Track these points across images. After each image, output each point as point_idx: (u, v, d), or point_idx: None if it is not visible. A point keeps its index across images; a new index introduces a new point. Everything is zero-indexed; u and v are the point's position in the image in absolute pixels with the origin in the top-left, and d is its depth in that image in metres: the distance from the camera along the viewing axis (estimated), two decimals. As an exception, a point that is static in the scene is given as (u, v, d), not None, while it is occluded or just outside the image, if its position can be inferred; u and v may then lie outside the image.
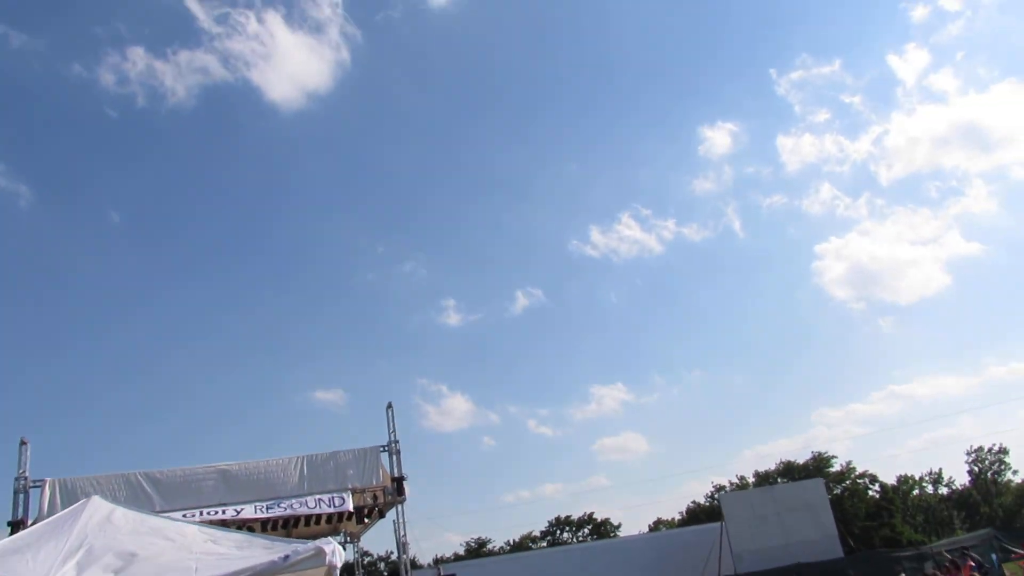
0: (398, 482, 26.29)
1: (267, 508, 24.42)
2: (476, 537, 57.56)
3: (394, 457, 26.87)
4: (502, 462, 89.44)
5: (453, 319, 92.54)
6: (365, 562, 53.32)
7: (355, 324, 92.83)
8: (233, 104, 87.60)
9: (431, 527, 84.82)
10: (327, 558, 4.55)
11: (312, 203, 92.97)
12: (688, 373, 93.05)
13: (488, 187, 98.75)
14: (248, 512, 24.09)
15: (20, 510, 23.41)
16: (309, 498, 24.76)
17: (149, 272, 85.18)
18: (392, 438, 27.00)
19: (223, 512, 23.97)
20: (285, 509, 24.55)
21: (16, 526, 23.31)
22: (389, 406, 27.34)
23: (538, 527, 61.09)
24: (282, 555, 4.42)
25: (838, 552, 29.40)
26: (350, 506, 24.71)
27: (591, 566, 33.55)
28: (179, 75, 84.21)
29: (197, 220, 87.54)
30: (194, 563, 4.54)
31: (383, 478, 26.28)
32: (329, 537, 4.72)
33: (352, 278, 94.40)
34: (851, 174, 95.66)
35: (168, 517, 5.48)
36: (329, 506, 24.30)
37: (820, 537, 29.97)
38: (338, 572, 4.85)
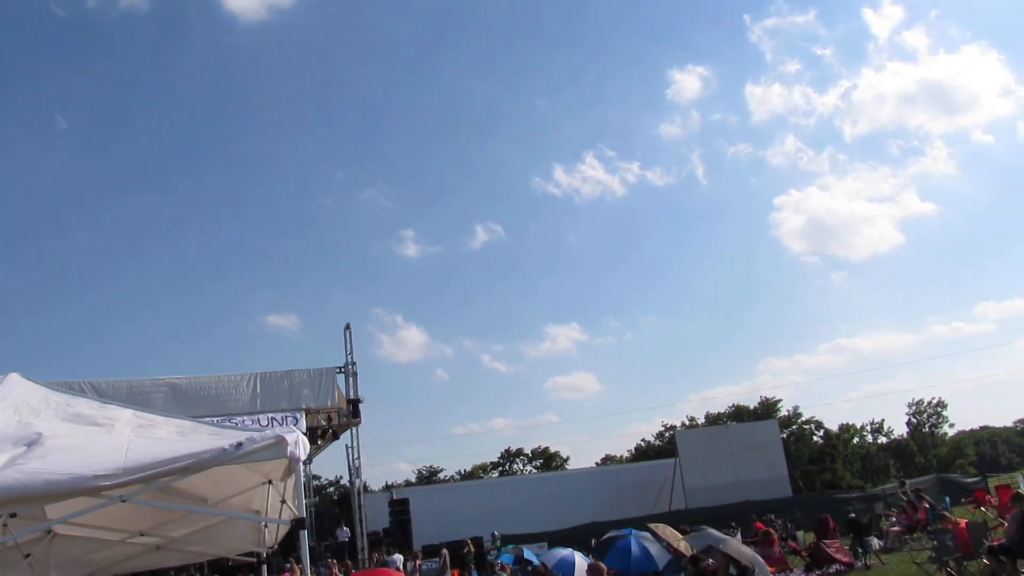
0: (354, 404, 25.80)
1: (216, 422, 23.77)
2: (428, 465, 57.79)
3: (350, 379, 26.33)
4: (455, 395, 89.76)
5: (411, 250, 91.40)
6: (314, 486, 53.25)
7: (311, 250, 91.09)
8: (188, 10, 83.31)
9: (383, 454, 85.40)
10: (288, 448, 3.81)
11: (270, 122, 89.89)
12: (642, 318, 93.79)
13: (454, 118, 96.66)
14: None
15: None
16: (261, 416, 24.08)
17: (97, 181, 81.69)
18: (349, 360, 26.38)
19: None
20: (236, 426, 23.92)
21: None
22: (347, 327, 26.68)
23: (490, 458, 61.72)
24: (233, 442, 3.67)
25: (787, 492, 29.95)
26: (303, 426, 24.18)
27: (543, 496, 33.71)
28: (133, -26, 79.41)
29: (149, 130, 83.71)
30: (124, 447, 3.81)
31: (338, 400, 25.77)
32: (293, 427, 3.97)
33: (310, 203, 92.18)
34: (816, 127, 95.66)
35: (106, 402, 4.51)
36: (281, 425, 23.72)
37: (770, 477, 30.45)
38: (300, 466, 4.13)
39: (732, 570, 8.44)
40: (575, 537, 22.55)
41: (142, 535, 5.11)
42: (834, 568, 13.49)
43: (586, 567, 10.62)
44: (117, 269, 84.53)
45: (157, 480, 3.59)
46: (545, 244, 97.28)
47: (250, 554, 5.89)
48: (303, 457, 3.97)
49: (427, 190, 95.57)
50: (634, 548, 10.76)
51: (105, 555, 5.25)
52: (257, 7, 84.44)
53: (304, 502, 3.94)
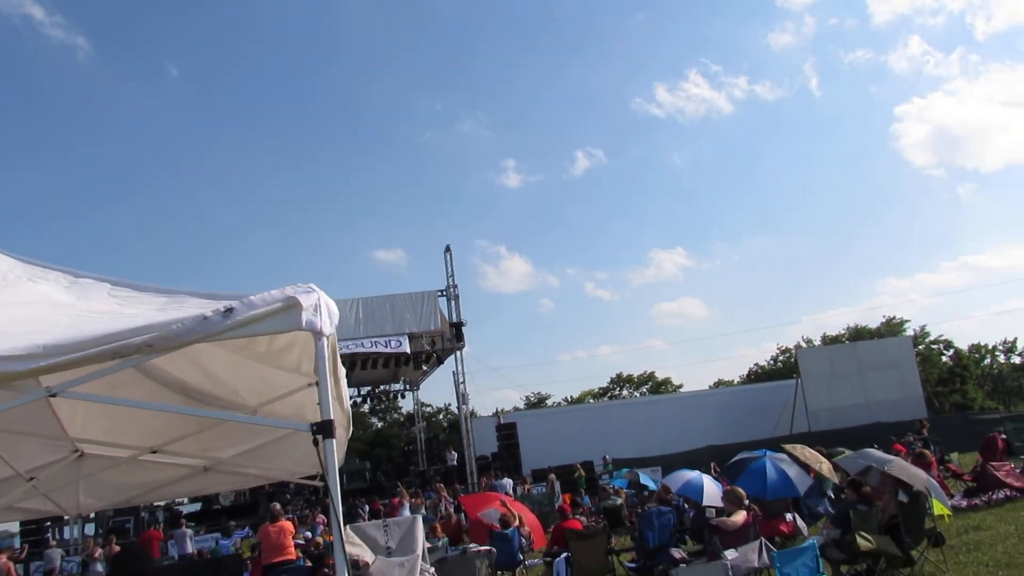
0: (456, 327, 25.29)
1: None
2: (535, 392, 57.71)
3: (452, 302, 25.77)
4: (560, 324, 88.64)
5: (513, 180, 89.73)
6: (425, 412, 54.10)
7: (414, 183, 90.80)
8: None
9: (492, 380, 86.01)
10: (303, 316, 2.52)
11: (368, 55, 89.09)
12: (751, 239, 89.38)
13: (550, 42, 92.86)
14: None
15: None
16: (365, 340, 23.95)
17: (204, 123, 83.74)
18: (450, 282, 25.78)
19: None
20: (340, 350, 23.80)
21: None
22: (447, 249, 25.96)
23: (597, 385, 61.07)
24: (220, 308, 2.42)
25: (922, 412, 27.64)
26: (407, 348, 23.91)
27: (654, 420, 32.69)
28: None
29: (250, 72, 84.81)
30: (67, 321, 2.73)
31: (441, 323, 25.31)
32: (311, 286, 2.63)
33: (411, 136, 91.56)
34: (945, 26, 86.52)
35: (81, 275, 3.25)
36: (385, 348, 23.47)
37: (903, 397, 28.22)
38: (325, 341, 2.81)
39: (902, 496, 7.10)
40: (691, 461, 21.38)
41: (177, 454, 4.21)
42: (1003, 494, 11.85)
43: (717, 491, 9.52)
44: (223, 205, 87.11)
45: (97, 364, 2.51)
46: (648, 167, 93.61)
47: (313, 477, 4.91)
48: (328, 330, 2.74)
49: (526, 118, 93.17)
50: (770, 470, 9.49)
51: (142, 478, 4.46)
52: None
53: (331, 399, 2.78)
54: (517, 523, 10.30)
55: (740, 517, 6.99)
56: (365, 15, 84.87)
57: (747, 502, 7.45)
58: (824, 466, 10.11)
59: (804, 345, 56.34)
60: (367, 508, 20.76)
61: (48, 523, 22.24)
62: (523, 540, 10.27)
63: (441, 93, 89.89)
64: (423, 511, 19.04)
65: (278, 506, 10.41)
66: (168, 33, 79.59)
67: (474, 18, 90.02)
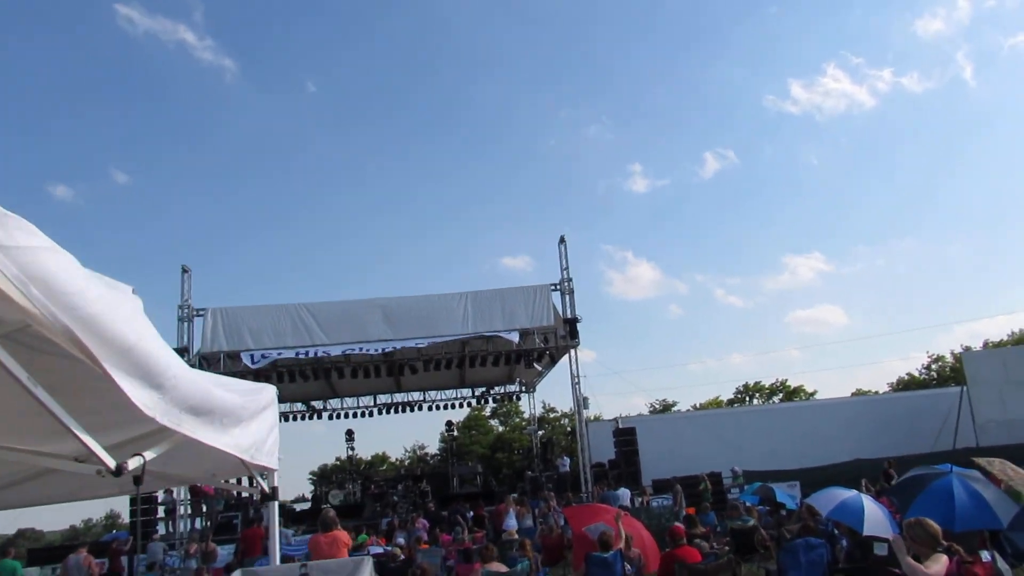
0: (571, 323, 23.56)
1: (427, 343, 22.68)
2: (662, 399, 55.01)
3: (567, 297, 24.03)
4: (689, 331, 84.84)
5: (640, 184, 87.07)
6: (550, 416, 52.42)
7: (540, 190, 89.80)
8: None
9: (618, 386, 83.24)
10: None
11: (490, 65, 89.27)
12: (897, 242, 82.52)
13: (674, 39, 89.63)
14: (408, 346, 22.47)
15: (184, 338, 23.26)
16: (474, 336, 22.68)
17: (348, 145, 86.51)
18: (564, 276, 24.05)
19: (383, 348, 22.51)
20: (446, 340, 22.67)
21: (180, 353, 23.26)
22: (561, 240, 24.23)
23: (725, 394, 57.68)
24: None
25: (1120, 428, 23.48)
26: (516, 338, 22.43)
27: (788, 429, 29.69)
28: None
29: (395, 91, 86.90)
30: None
31: (555, 319, 23.69)
32: None
33: (536, 143, 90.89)
34: None
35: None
36: (503, 333, 22.09)
37: (1096, 409, 24.12)
38: None
39: None
40: (834, 477, 18.77)
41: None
42: None
43: (882, 517, 7.37)
44: (367, 222, 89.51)
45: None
46: (782, 168, 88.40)
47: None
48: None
49: (652, 121, 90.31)
50: (959, 493, 7.17)
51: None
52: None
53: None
54: (622, 544, 8.51)
55: (940, 566, 4.87)
56: (489, 26, 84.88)
57: (945, 543, 5.28)
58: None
59: (962, 350, 50.85)
60: (471, 514, 19.39)
61: (160, 516, 22.27)
62: (627, 566, 8.44)
63: (567, 99, 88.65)
64: (528, 520, 17.50)
65: (331, 512, 9.05)
66: (306, 51, 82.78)
67: (595, 20, 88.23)
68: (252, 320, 21.95)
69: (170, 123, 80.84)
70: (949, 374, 49.47)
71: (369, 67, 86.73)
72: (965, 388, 26.25)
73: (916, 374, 54.77)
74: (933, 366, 53.23)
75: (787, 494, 14.26)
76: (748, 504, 14.64)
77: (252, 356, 21.24)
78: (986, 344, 51.98)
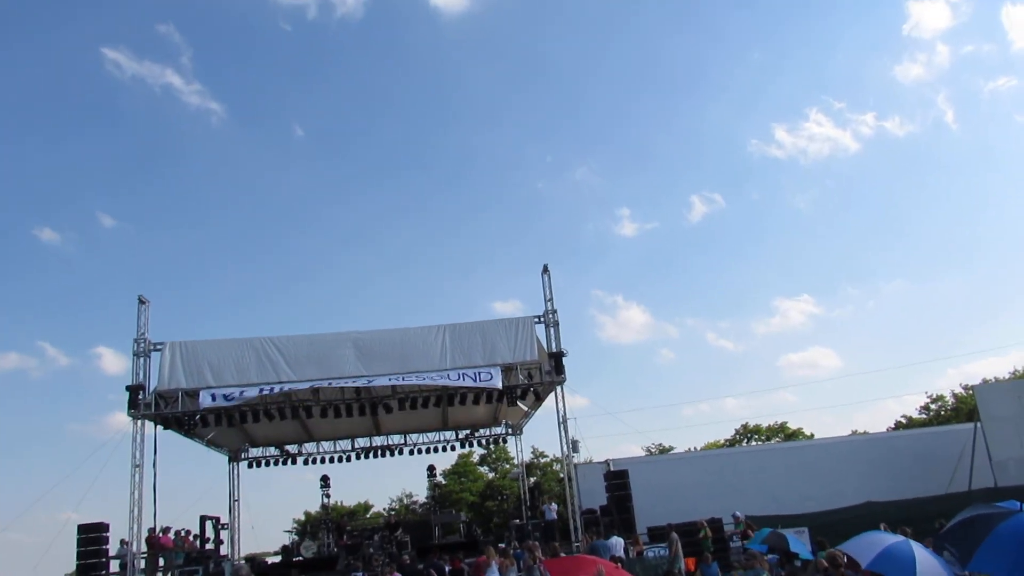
0: (556, 358, 21.97)
1: (403, 380, 21.02)
2: (657, 444, 53.12)
3: (551, 329, 22.42)
4: (681, 375, 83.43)
5: (628, 228, 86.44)
6: (540, 462, 50.24)
7: (527, 234, 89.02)
8: (398, 10, 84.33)
9: (610, 430, 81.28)
10: None
11: (478, 110, 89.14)
12: (886, 284, 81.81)
13: (658, 83, 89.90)
14: (382, 383, 20.80)
15: (140, 374, 21.48)
16: (452, 371, 21.07)
17: (324, 184, 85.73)
18: (548, 307, 22.49)
19: (354, 383, 20.80)
20: (423, 380, 21.04)
21: (135, 391, 21.51)
22: (544, 269, 22.72)
23: (722, 438, 55.82)
24: None
25: None
26: (499, 382, 20.74)
27: (790, 470, 28.01)
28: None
29: (368, 132, 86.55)
30: None
31: (539, 353, 22.16)
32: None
33: (522, 187, 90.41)
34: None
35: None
36: (474, 380, 20.41)
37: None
38: None
39: None
40: (847, 521, 17.23)
41: None
42: None
43: (940, 570, 5.85)
44: (348, 258, 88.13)
45: None
46: (770, 211, 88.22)
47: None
48: None
49: (639, 164, 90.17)
50: (1035, 541, 5.73)
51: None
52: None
53: None
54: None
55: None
56: (475, 70, 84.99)
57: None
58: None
59: (962, 389, 49.34)
60: (448, 568, 17.61)
61: (113, 572, 20.32)
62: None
63: (551, 143, 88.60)
64: (512, 574, 15.74)
65: (245, 570, 7.37)
66: (294, 97, 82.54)
67: (582, 66, 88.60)
68: (213, 355, 20.32)
69: (153, 163, 79.82)
70: (950, 414, 47.95)
71: (352, 110, 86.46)
72: (979, 424, 24.71)
73: (914, 415, 53.21)
74: (932, 406, 51.67)
75: (798, 541, 12.67)
76: (754, 552, 13.01)
77: (212, 395, 19.57)
78: (985, 383, 50.57)
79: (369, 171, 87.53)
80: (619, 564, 14.11)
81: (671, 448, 52.55)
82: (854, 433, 50.67)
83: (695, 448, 54.38)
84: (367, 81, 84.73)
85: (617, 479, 21.80)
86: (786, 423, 54.80)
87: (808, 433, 52.92)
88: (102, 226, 75.59)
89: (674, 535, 18.08)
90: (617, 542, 17.22)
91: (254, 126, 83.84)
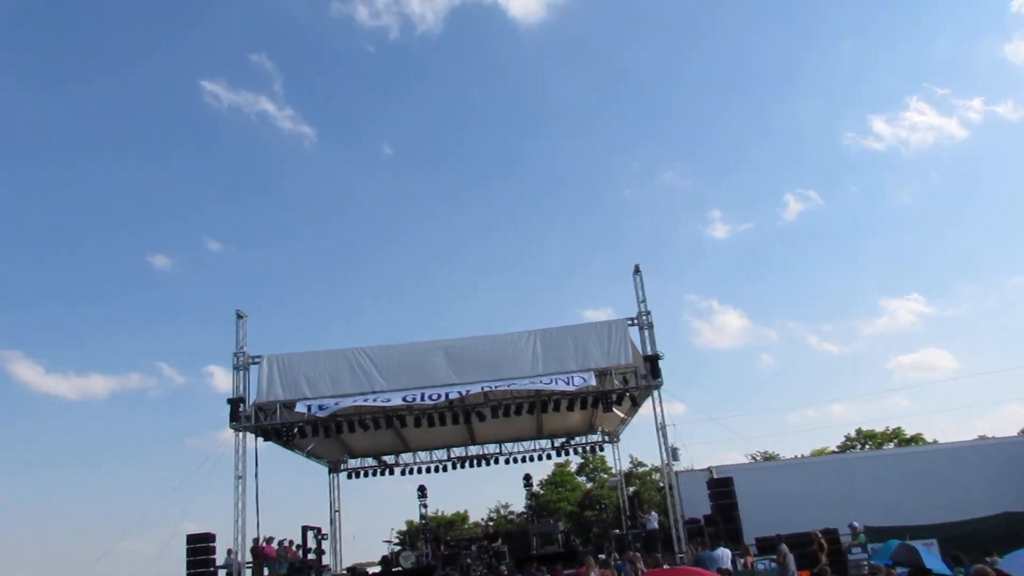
0: (652, 361, 21.20)
1: (495, 387, 20.66)
2: (763, 451, 51.01)
3: (645, 331, 21.68)
4: (784, 381, 79.89)
5: (720, 231, 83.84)
6: (638, 471, 49.04)
7: (617, 241, 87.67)
8: (478, 22, 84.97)
9: (711, 439, 79.08)
10: None
11: (562, 119, 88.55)
12: (1007, 280, 76.18)
13: (745, 80, 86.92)
14: (474, 390, 20.50)
15: (240, 387, 21.93)
16: (544, 376, 20.58)
17: (414, 198, 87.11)
18: (642, 309, 21.75)
19: (447, 394, 20.59)
20: (514, 386, 20.58)
21: (236, 404, 21.94)
22: (636, 270, 22.11)
23: (832, 444, 53.11)
24: None
25: None
26: (592, 382, 20.18)
27: (915, 478, 26.14)
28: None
29: (455, 146, 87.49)
30: None
31: (633, 356, 21.43)
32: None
33: (610, 195, 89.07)
34: None
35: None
36: (567, 384, 19.91)
37: None
38: None
39: None
40: (981, 533, 15.77)
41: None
42: None
43: None
44: (441, 271, 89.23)
45: None
46: (871, 206, 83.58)
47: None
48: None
49: (728, 164, 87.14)
50: None
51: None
52: (536, 7, 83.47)
53: None
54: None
55: None
56: (557, 80, 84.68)
57: None
58: None
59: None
60: (547, 580, 17.12)
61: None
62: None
63: (636, 149, 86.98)
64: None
65: None
66: (381, 115, 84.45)
67: (667, 66, 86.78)
68: (308, 367, 20.53)
69: (251, 187, 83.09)
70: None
71: (438, 125, 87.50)
72: None
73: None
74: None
75: (930, 555, 11.51)
76: (879, 566, 11.94)
77: (309, 406, 19.75)
78: None
79: (457, 184, 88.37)
80: (728, 578, 13.25)
81: (775, 455, 50.42)
82: (981, 438, 47.35)
83: (801, 455, 52.02)
84: (452, 95, 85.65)
85: (722, 487, 20.74)
86: (900, 428, 51.72)
87: (929, 439, 49.79)
88: (209, 250, 78.97)
89: (783, 547, 16.95)
90: (724, 553, 16.25)
91: (344, 146, 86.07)
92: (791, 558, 16.54)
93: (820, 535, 17.94)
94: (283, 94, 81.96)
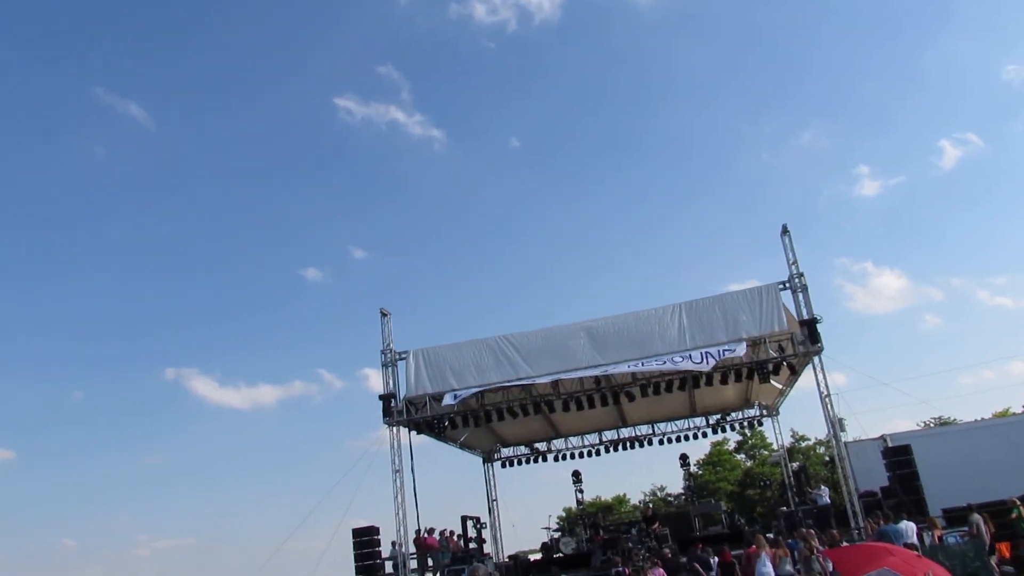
0: (809, 325, 19.87)
1: (642, 365, 20.07)
2: (937, 417, 47.22)
3: (798, 295, 20.36)
4: (951, 341, 73.69)
5: (869, 187, 78.39)
6: (800, 446, 46.75)
7: (757, 208, 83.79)
8: (595, 3, 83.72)
9: (875, 408, 74.07)
10: None
11: (689, 90, 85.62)
12: None
13: (885, 21, 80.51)
14: (621, 370, 20.01)
15: (390, 383, 22.49)
16: (694, 351, 19.75)
17: (544, 188, 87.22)
18: (793, 271, 20.42)
19: (592, 372, 20.20)
20: (664, 363, 19.93)
21: (387, 400, 22.51)
22: (784, 230, 20.81)
23: (1014, 406, 48.36)
24: None
25: None
26: (742, 352, 19.16)
27: None
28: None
29: (581, 131, 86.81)
30: None
31: (788, 322, 20.20)
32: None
33: (745, 162, 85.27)
34: None
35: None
36: (717, 357, 19.00)
37: None
38: None
39: None
40: None
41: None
42: None
43: None
44: (569, 260, 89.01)
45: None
46: (1040, 145, 75.46)
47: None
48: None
49: (872, 116, 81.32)
50: None
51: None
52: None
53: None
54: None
55: None
56: (679, 53, 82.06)
57: None
58: None
59: None
60: (715, 560, 16.39)
61: (388, 573, 21.42)
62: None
63: (768, 113, 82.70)
64: (787, 566, 14.22)
65: (482, 570, 6.74)
66: (506, 110, 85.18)
67: (802, 21, 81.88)
68: (453, 358, 20.77)
69: (388, 193, 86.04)
70: None
71: (563, 112, 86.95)
72: None
73: None
74: None
75: None
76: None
77: (455, 394, 19.99)
78: None
79: (587, 168, 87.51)
80: (916, 552, 12.10)
81: (951, 420, 46.56)
82: None
83: (981, 419, 47.71)
84: (575, 80, 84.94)
85: (899, 456, 19.23)
86: (1101, 382, 46.40)
87: None
88: (354, 258, 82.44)
89: (975, 516, 15.42)
90: (909, 527, 14.96)
91: (472, 144, 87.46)
92: (985, 528, 15.03)
93: (1019, 501, 16.24)
94: (411, 101, 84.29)
